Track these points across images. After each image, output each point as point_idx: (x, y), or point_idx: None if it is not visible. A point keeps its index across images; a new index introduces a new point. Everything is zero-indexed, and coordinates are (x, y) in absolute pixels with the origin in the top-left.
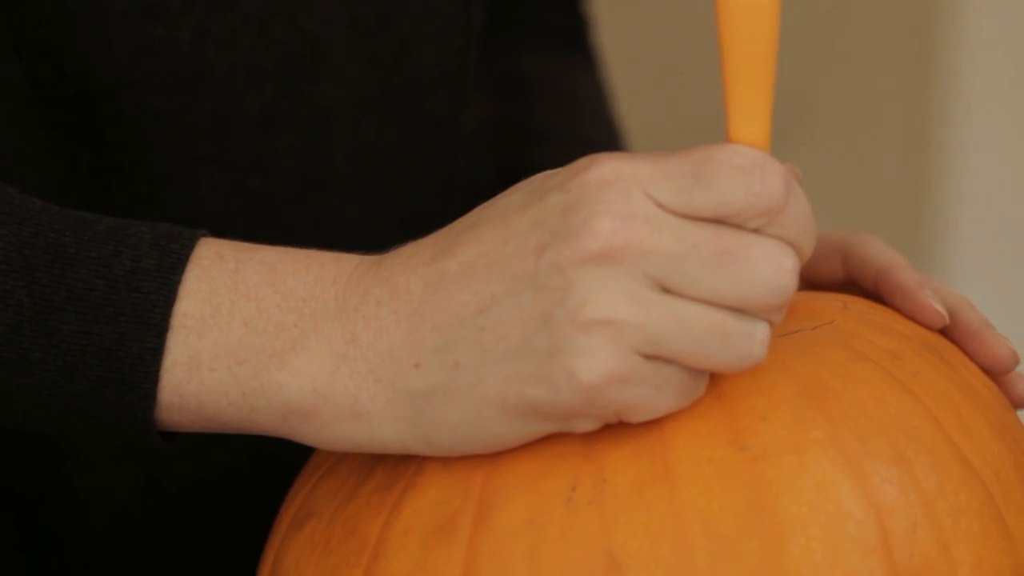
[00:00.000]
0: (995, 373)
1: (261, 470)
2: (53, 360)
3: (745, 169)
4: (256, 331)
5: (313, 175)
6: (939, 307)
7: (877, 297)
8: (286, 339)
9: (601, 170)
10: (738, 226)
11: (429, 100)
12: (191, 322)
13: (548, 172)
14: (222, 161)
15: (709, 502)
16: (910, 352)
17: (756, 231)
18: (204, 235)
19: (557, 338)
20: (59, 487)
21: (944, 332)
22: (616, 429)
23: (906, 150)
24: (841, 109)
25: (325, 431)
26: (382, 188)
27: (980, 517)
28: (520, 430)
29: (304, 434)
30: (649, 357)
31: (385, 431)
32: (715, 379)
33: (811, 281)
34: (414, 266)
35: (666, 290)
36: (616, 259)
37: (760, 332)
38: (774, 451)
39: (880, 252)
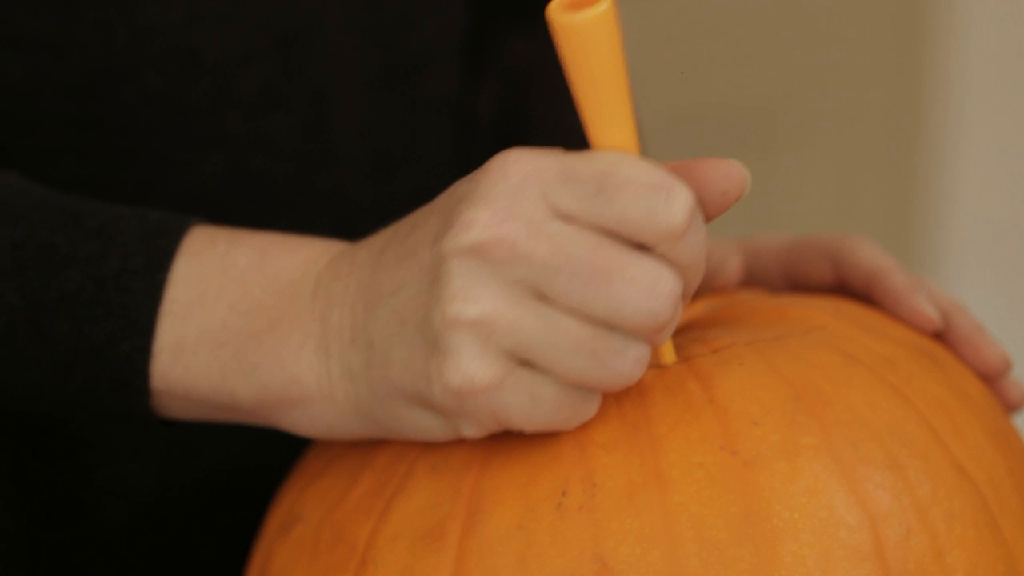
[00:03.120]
0: (988, 378)
1: (281, 460)
2: (48, 359)
3: (652, 188)
4: (239, 313)
5: (314, 155)
6: (932, 311)
7: (868, 300)
8: (264, 319)
9: (504, 163)
10: (629, 241)
11: (433, 77)
12: (178, 308)
13: None
14: (221, 143)
15: (700, 507)
16: (903, 356)
17: (645, 249)
18: (195, 224)
19: (433, 333)
20: (79, 480)
21: (938, 336)
22: (607, 433)
23: (897, 151)
24: (832, 110)
25: (295, 413)
26: (389, 167)
27: (974, 523)
28: (432, 423)
29: (279, 419)
30: (521, 363)
31: (345, 412)
32: (706, 383)
33: (801, 284)
34: (373, 243)
35: (540, 297)
36: (489, 256)
37: (634, 351)
38: (766, 456)
39: (871, 255)
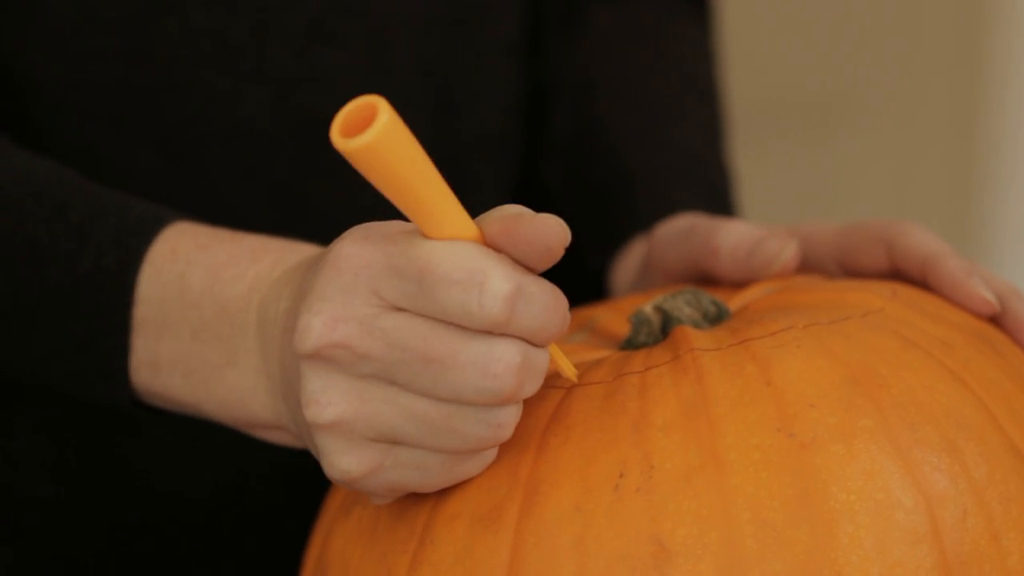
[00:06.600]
0: None
1: None
2: (38, 346)
3: (465, 285)
4: (201, 341)
5: (372, 92)
6: (989, 295)
7: (924, 286)
8: (224, 352)
9: (337, 257)
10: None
11: (496, 22)
12: (149, 326)
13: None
14: (265, 78)
15: (757, 489)
16: (960, 340)
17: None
18: (171, 222)
19: (307, 431)
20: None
21: (994, 320)
22: (665, 415)
23: (953, 137)
24: (888, 96)
25: (264, 437)
26: (451, 108)
27: None
28: None
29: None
30: (395, 443)
31: (305, 441)
32: (763, 366)
33: (855, 271)
34: (291, 286)
35: (391, 383)
36: (330, 359)
37: (495, 418)
38: (823, 438)
39: (925, 240)
